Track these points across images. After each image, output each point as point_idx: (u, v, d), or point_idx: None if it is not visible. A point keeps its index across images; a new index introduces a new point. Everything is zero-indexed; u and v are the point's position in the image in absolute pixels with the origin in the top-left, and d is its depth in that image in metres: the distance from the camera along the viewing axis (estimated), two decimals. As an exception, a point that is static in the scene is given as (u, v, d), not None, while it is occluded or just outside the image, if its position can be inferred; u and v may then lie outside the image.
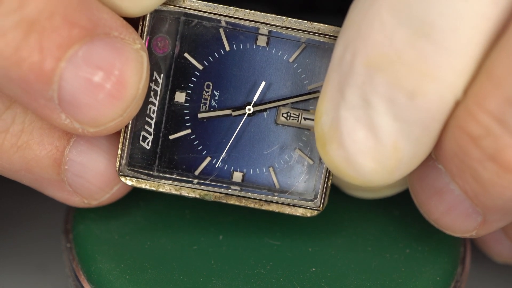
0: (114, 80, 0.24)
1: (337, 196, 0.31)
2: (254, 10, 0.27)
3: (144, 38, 0.27)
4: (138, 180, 0.27)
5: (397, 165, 0.24)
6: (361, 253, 0.29)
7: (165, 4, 0.26)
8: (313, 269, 0.28)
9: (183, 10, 0.27)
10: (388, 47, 0.23)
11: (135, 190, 0.30)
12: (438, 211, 0.26)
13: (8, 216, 0.32)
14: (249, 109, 0.28)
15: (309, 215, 0.28)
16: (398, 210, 0.30)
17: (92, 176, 0.27)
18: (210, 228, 0.29)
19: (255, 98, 0.28)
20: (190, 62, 0.27)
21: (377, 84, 0.23)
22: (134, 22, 0.26)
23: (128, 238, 0.28)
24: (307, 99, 0.28)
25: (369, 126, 0.24)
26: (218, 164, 0.28)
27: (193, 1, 0.27)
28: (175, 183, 0.28)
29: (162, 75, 0.27)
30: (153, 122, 0.27)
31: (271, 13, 0.27)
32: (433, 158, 0.25)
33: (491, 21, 0.22)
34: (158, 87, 0.27)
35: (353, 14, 0.24)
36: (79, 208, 0.30)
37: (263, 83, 0.27)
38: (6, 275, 0.33)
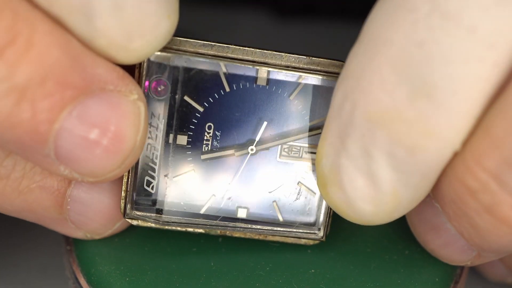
0: (110, 136, 0.24)
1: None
2: (253, 48, 0.27)
3: (142, 82, 0.26)
4: (144, 221, 0.28)
5: (396, 208, 0.24)
6: (360, 254, 0.29)
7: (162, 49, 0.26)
8: (312, 271, 0.28)
9: (179, 54, 0.26)
10: (389, 104, 0.23)
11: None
12: (434, 244, 0.27)
13: (8, 218, 0.32)
14: (251, 149, 0.28)
15: (311, 243, 0.28)
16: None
17: (95, 215, 0.28)
18: (209, 230, 0.29)
19: (257, 138, 0.28)
20: (190, 104, 0.27)
21: (377, 139, 0.23)
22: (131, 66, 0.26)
23: (128, 241, 0.29)
24: (309, 135, 0.28)
25: (368, 176, 0.24)
26: (223, 202, 0.28)
27: (189, 42, 0.26)
28: (182, 223, 0.28)
29: (162, 119, 0.27)
30: (156, 167, 0.27)
31: (270, 50, 0.27)
32: (431, 196, 0.25)
33: (490, 82, 0.22)
34: (160, 131, 0.27)
35: (353, 65, 0.23)
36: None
37: (265, 123, 0.27)
38: (6, 277, 0.33)
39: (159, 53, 0.26)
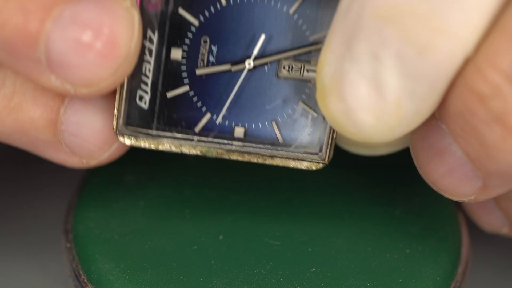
0: (104, 39, 0.23)
1: (337, 196, 0.31)
2: None
3: None
4: (137, 139, 0.27)
5: (399, 122, 0.23)
6: (361, 253, 0.29)
7: None
8: (313, 269, 0.28)
9: None
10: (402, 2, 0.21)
11: (136, 190, 0.30)
12: (437, 173, 0.25)
13: (8, 216, 0.32)
14: (249, 64, 0.27)
15: (314, 168, 0.27)
16: (398, 209, 0.30)
17: (89, 135, 0.26)
18: (210, 228, 0.29)
19: (255, 52, 0.26)
20: (185, 17, 0.26)
21: (385, 37, 0.22)
22: None
23: (128, 238, 0.28)
24: (309, 51, 0.27)
25: (372, 81, 0.22)
26: (219, 120, 0.27)
27: None
28: (175, 141, 0.27)
29: (156, 32, 0.26)
30: (149, 81, 0.26)
31: None
32: (436, 117, 0.24)
33: None
34: (153, 44, 0.26)
35: None
36: (78, 208, 0.30)
37: (263, 36, 0.26)
38: (6, 275, 0.33)
39: None
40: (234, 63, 0.27)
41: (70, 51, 0.23)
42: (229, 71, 0.27)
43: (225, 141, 0.27)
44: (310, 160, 0.27)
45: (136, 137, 0.27)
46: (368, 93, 0.23)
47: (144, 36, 0.26)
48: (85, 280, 0.28)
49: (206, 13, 0.26)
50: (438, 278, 0.28)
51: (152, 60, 0.26)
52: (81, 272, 0.28)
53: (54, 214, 0.34)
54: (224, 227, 0.29)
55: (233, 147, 0.27)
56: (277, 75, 0.27)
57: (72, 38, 0.23)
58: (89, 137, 0.26)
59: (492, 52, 0.21)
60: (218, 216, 0.29)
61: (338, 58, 0.23)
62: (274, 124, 0.27)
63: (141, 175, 0.31)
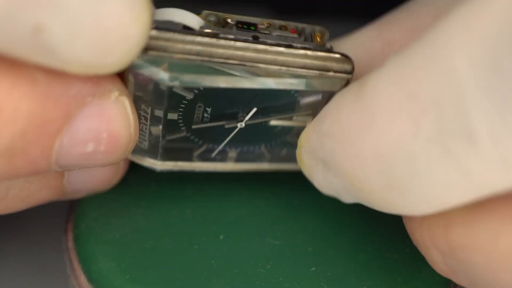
0: (105, 142, 0.24)
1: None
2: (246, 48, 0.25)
3: (130, 73, 0.25)
4: (140, 161, 0.29)
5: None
6: (361, 253, 0.29)
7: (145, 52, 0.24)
8: (313, 269, 0.28)
9: (167, 58, 0.25)
10: (363, 182, 0.23)
11: (137, 190, 0.30)
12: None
13: (8, 215, 0.32)
14: (241, 125, 0.28)
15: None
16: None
17: (94, 183, 0.29)
18: (210, 228, 0.29)
19: (245, 120, 0.28)
20: (179, 92, 0.26)
21: (347, 190, 0.24)
22: None
23: (129, 238, 0.28)
24: (299, 115, 0.28)
25: (335, 193, 0.25)
26: (215, 152, 0.29)
27: (174, 40, 0.24)
28: (176, 166, 0.29)
29: (150, 107, 0.26)
30: (146, 135, 0.28)
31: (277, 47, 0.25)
32: None
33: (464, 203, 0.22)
34: (148, 114, 0.27)
35: (343, 115, 0.23)
36: (79, 207, 0.30)
37: (254, 109, 0.27)
38: (6, 275, 0.33)
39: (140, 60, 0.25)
40: (227, 121, 0.28)
41: (79, 161, 0.25)
42: (223, 126, 0.28)
43: (219, 162, 0.29)
44: (290, 169, 0.29)
45: (140, 160, 0.29)
46: (331, 192, 0.25)
47: (139, 108, 0.26)
48: (86, 280, 0.28)
49: (200, 87, 0.26)
50: (438, 278, 0.28)
51: (148, 123, 0.27)
52: (81, 272, 0.28)
53: (55, 213, 0.34)
54: (224, 226, 0.29)
55: (226, 166, 0.29)
56: (268, 124, 0.28)
57: (77, 155, 0.24)
58: (93, 185, 0.29)
59: (435, 232, 0.24)
60: (218, 216, 0.29)
61: (312, 155, 0.25)
62: (264, 148, 0.29)
63: (142, 174, 0.31)
